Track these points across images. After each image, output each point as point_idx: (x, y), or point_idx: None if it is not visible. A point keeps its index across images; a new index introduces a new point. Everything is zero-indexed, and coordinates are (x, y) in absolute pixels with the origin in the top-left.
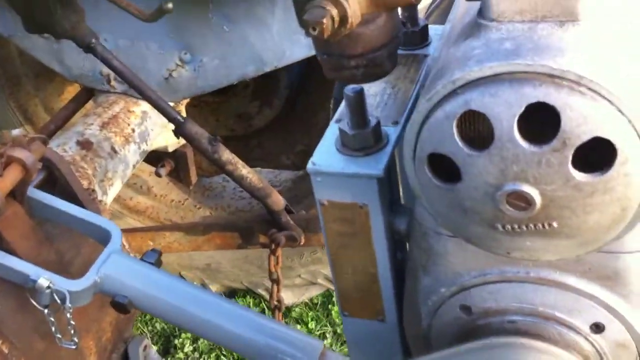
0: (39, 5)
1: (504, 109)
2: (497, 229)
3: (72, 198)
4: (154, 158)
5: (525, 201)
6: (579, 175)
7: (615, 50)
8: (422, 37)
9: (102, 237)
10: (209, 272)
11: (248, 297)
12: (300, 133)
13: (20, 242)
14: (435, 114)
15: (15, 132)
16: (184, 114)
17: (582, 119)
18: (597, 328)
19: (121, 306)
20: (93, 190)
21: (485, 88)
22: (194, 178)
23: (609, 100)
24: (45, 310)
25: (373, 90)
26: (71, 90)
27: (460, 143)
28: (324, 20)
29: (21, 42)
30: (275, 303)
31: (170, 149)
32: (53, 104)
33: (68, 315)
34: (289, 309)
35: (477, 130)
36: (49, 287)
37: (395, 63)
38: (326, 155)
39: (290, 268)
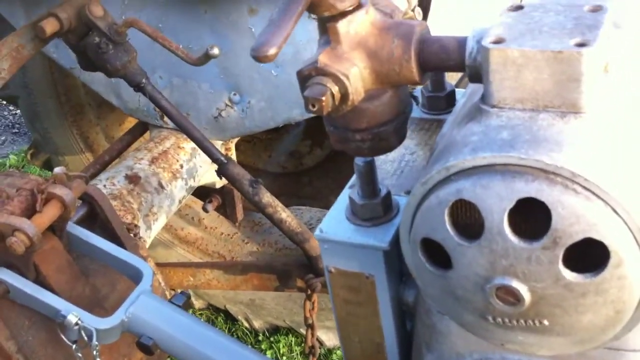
0: (91, 44)
1: (495, 202)
2: (489, 320)
3: (111, 234)
4: (204, 193)
5: (514, 296)
6: (570, 275)
7: (618, 146)
8: (448, 102)
9: (135, 276)
10: (253, 307)
11: (290, 335)
12: (350, 174)
13: (55, 275)
14: (429, 199)
15: (57, 170)
16: (233, 151)
17: (574, 218)
18: None
19: (146, 347)
20: (136, 226)
21: (477, 178)
22: (240, 215)
23: (604, 200)
24: (73, 346)
25: (392, 156)
26: (132, 120)
27: (451, 231)
28: (323, 98)
29: (81, 74)
30: (309, 349)
31: (218, 186)
32: (113, 132)
33: (94, 352)
34: (330, 351)
35: (473, 217)
36: (77, 323)
37: (402, 137)
38: (335, 222)
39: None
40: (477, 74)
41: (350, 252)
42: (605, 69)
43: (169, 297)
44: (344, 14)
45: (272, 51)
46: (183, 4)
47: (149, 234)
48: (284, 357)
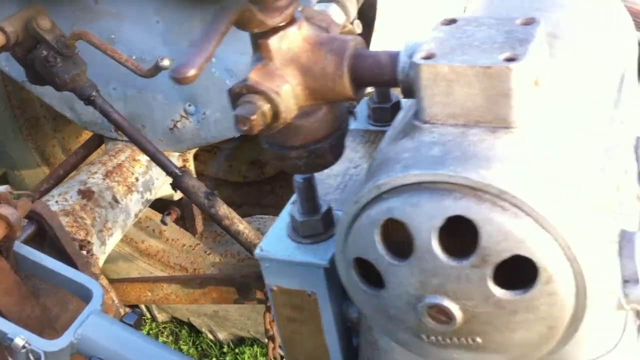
0: (39, 57)
1: (424, 220)
2: (423, 339)
3: (61, 252)
4: (162, 205)
5: (445, 315)
6: (500, 293)
7: (549, 161)
8: (393, 114)
9: (85, 295)
10: (217, 319)
11: (255, 346)
12: None
13: (3, 297)
14: (361, 217)
15: (1, 188)
16: (192, 162)
17: (502, 236)
18: None
19: None
20: (89, 242)
21: (408, 197)
22: (199, 227)
23: (532, 217)
24: None
25: (336, 170)
26: (89, 133)
27: (382, 251)
28: (253, 117)
29: (33, 87)
30: None
31: (176, 198)
32: (71, 145)
33: None
34: None
35: (406, 235)
36: (24, 346)
37: (339, 154)
38: (275, 240)
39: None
40: (410, 89)
41: (292, 270)
42: (536, 83)
43: (124, 314)
44: (275, 30)
45: (191, 72)
46: (135, 15)
47: (103, 250)
48: None
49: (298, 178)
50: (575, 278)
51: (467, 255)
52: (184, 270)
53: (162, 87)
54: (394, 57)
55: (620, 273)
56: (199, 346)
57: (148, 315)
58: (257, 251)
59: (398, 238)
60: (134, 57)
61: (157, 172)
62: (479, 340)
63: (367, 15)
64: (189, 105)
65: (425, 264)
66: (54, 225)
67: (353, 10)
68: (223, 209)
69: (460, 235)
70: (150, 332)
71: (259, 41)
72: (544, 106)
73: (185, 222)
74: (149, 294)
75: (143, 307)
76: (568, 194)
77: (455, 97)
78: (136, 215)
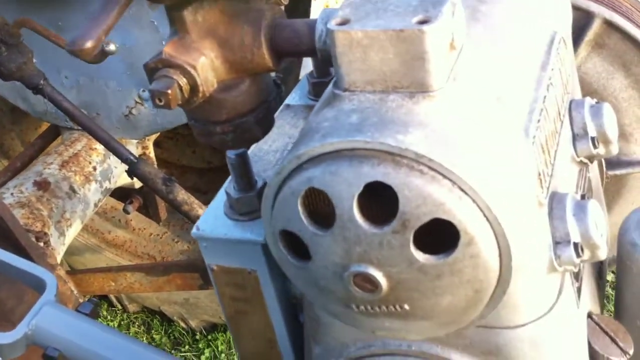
0: None
1: (344, 188)
2: (353, 308)
3: (15, 245)
4: (126, 194)
5: (371, 283)
6: (423, 257)
7: (467, 125)
8: None
9: (38, 286)
10: (188, 306)
11: (228, 332)
12: None
13: None
14: (284, 189)
15: None
16: (151, 149)
17: (421, 200)
18: None
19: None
20: (45, 234)
21: (326, 165)
22: (163, 214)
23: (451, 180)
24: None
25: (275, 146)
26: (48, 124)
27: (305, 221)
28: (169, 91)
29: None
30: None
31: (138, 186)
32: (29, 137)
33: None
34: None
35: (331, 205)
36: None
37: (268, 127)
38: (212, 219)
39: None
40: (328, 57)
41: (230, 248)
42: (452, 46)
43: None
44: (189, 2)
45: (87, 44)
46: (81, 1)
47: (62, 241)
48: (223, 354)
49: (230, 154)
50: (497, 239)
51: (388, 222)
52: (152, 259)
53: (115, 73)
54: (311, 25)
55: (551, 234)
56: (171, 335)
57: (119, 306)
58: (193, 231)
59: (324, 209)
60: None
61: (115, 160)
62: (406, 307)
63: None
64: (143, 91)
65: (348, 232)
66: (6, 218)
67: None
68: (182, 195)
69: (384, 205)
70: (122, 322)
71: (172, 14)
72: (465, 70)
73: (148, 210)
74: (113, 283)
75: (113, 298)
76: (486, 156)
77: (371, 63)
78: (96, 204)
